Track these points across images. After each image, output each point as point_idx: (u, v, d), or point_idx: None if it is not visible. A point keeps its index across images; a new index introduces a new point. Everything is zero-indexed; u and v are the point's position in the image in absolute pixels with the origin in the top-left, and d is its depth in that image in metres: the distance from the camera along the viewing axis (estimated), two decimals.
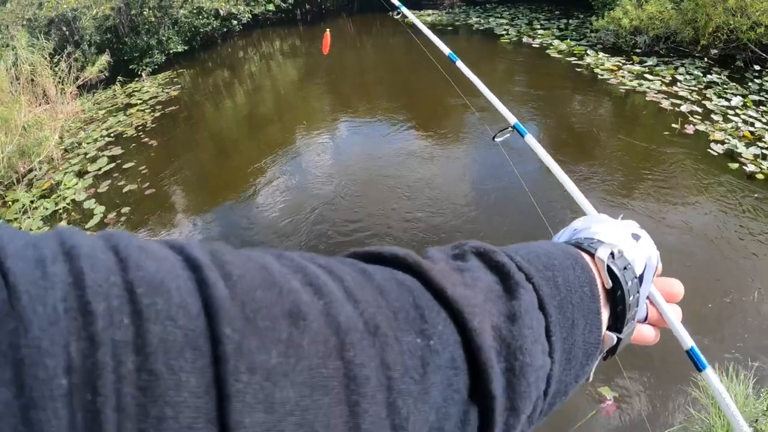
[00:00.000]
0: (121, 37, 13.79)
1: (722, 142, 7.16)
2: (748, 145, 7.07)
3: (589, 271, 0.47)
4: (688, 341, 0.98)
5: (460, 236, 5.91)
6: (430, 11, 15.83)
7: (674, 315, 0.65)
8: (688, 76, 9.34)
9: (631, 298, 0.48)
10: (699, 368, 1.02)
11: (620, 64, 10.10)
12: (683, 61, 9.97)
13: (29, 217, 7.47)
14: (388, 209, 6.56)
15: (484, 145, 7.81)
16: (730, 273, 5.08)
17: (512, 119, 2.27)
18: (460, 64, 2.54)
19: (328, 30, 7.70)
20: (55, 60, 11.64)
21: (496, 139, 2.30)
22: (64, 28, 13.07)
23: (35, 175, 8.70)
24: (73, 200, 7.78)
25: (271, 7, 16.44)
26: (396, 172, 7.44)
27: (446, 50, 2.56)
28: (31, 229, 7.07)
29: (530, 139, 2.02)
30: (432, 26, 14.26)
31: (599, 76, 9.68)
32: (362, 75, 12.28)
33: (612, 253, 0.50)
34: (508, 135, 2.30)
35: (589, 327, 0.44)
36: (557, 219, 5.57)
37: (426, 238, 5.83)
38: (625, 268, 0.50)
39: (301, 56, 14.28)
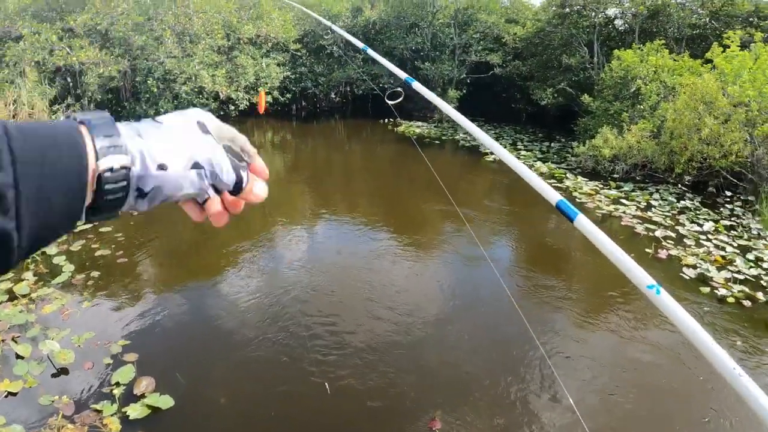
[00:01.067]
0: (122, 101, 14.18)
1: (694, 267, 7.24)
2: (719, 269, 7.16)
3: (83, 166, 0.60)
4: (554, 197, 1.11)
5: (427, 337, 5.88)
6: (419, 123, 16.42)
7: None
8: (662, 202, 9.62)
9: (115, 196, 0.64)
10: (570, 219, 1.10)
11: (598, 189, 10.39)
12: (658, 187, 10.31)
13: None
14: (358, 306, 6.52)
15: (459, 257, 7.97)
16: (698, 393, 5.05)
17: (403, 75, 2.47)
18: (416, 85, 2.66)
19: (261, 89, 7.99)
20: (54, 108, 11.88)
21: (388, 101, 2.55)
22: (69, 80, 13.40)
23: None
24: (43, 252, 7.54)
25: (269, 98, 16.97)
26: (367, 271, 7.43)
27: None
28: None
29: (417, 85, 2.18)
30: (420, 138, 14.75)
31: (577, 200, 9.91)
32: (346, 176, 12.51)
33: (112, 168, 0.62)
34: (400, 98, 2.65)
35: (72, 192, 0.59)
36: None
37: (391, 336, 5.80)
38: (112, 170, 0.62)
39: (290, 151, 14.62)
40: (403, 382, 5.09)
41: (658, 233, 8.33)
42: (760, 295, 6.62)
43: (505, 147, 11.08)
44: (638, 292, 4.92)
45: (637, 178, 10.80)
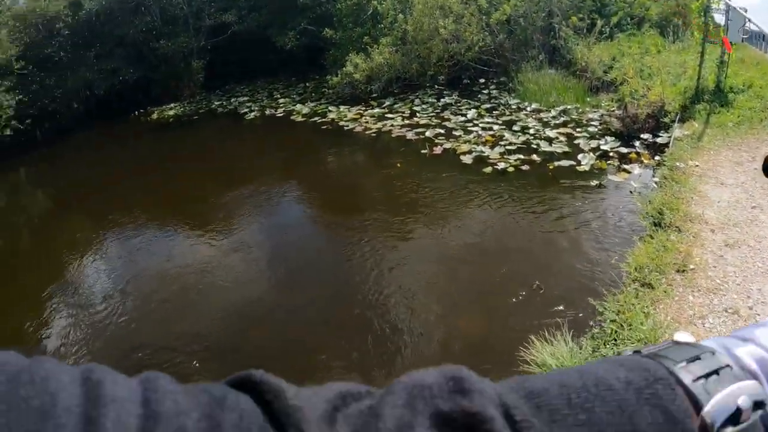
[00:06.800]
0: None
1: (470, 152, 6.83)
2: (492, 147, 6.86)
3: (676, 421, 0.31)
4: None
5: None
6: (171, 104, 14.64)
7: None
8: (424, 105, 9.20)
9: None
10: None
11: (361, 112, 9.73)
12: (417, 93, 9.92)
13: None
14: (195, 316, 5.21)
15: None
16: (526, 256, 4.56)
17: None
18: None
19: None
20: None
21: None
22: None
23: None
24: None
25: (7, 131, 13.74)
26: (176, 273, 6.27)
27: None
28: None
29: None
30: (177, 118, 13.15)
31: (345, 128, 9.15)
32: (106, 187, 10.19)
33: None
34: None
35: None
36: None
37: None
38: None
39: (44, 179, 11.96)
40: None
41: (428, 133, 7.87)
42: (534, 157, 6.46)
43: (262, 101, 10.04)
44: (439, 191, 4.06)
45: (396, 91, 10.35)
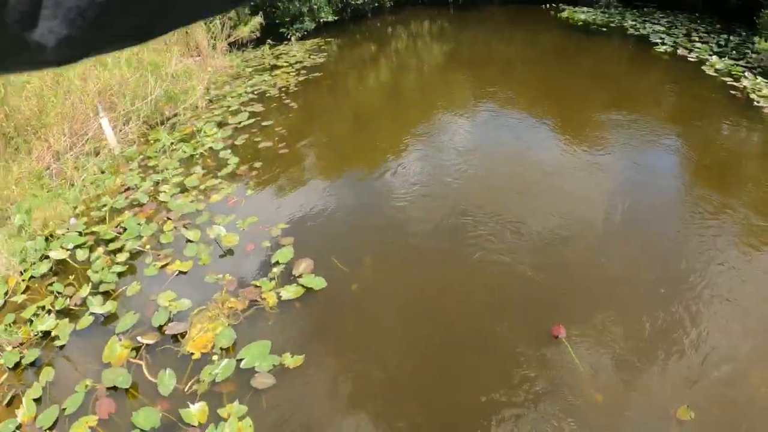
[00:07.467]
0: (275, 1, 13.96)
1: None
2: None
3: None
4: None
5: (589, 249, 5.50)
6: (585, 8, 14.91)
7: None
8: None
9: None
10: None
11: None
12: None
13: (167, 157, 7.82)
14: (518, 200, 6.26)
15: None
16: None
17: None
18: None
19: None
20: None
21: None
22: None
23: (178, 120, 9.12)
24: (210, 148, 8.05)
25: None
26: (530, 163, 7.14)
27: None
28: (167, 169, 7.46)
29: None
30: (585, 25, 13.46)
31: (754, 102, 8.72)
32: (506, 66, 11.76)
33: None
34: None
35: None
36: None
37: (553, 231, 5.51)
38: None
39: (448, 40, 13.90)
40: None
41: None
42: None
43: (678, 37, 10.04)
44: None
45: None
